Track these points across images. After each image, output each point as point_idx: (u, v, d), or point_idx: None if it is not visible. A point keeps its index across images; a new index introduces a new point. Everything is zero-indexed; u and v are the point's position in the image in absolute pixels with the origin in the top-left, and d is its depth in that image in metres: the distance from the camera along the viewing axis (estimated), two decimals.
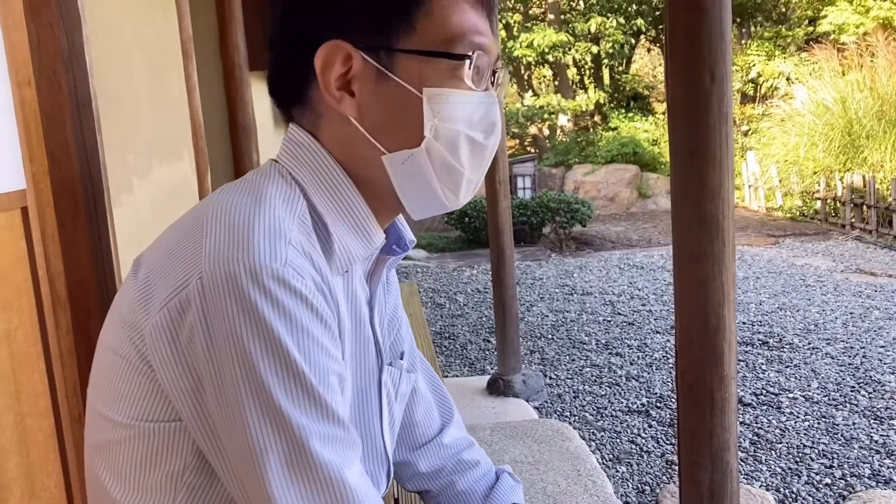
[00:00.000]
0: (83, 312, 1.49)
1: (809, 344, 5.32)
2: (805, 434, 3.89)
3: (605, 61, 17.11)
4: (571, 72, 18.02)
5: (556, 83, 18.22)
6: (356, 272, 0.93)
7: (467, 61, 0.85)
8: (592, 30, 15.63)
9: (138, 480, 0.82)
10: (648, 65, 19.21)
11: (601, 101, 16.50)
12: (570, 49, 15.97)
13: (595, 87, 17.29)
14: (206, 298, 0.73)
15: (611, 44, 15.89)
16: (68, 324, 1.48)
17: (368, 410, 0.98)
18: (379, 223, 0.92)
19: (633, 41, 16.62)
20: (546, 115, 16.16)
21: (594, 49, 16.11)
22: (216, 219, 0.79)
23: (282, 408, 0.73)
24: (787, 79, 14.36)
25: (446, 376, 4.92)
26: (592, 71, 17.63)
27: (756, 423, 4.05)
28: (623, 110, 16.59)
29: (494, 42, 0.90)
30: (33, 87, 1.40)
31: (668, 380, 4.71)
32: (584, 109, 16.44)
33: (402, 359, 1.11)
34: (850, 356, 5.02)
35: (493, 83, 0.91)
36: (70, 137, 1.44)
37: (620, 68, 17.39)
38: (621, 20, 15.76)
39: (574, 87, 17.94)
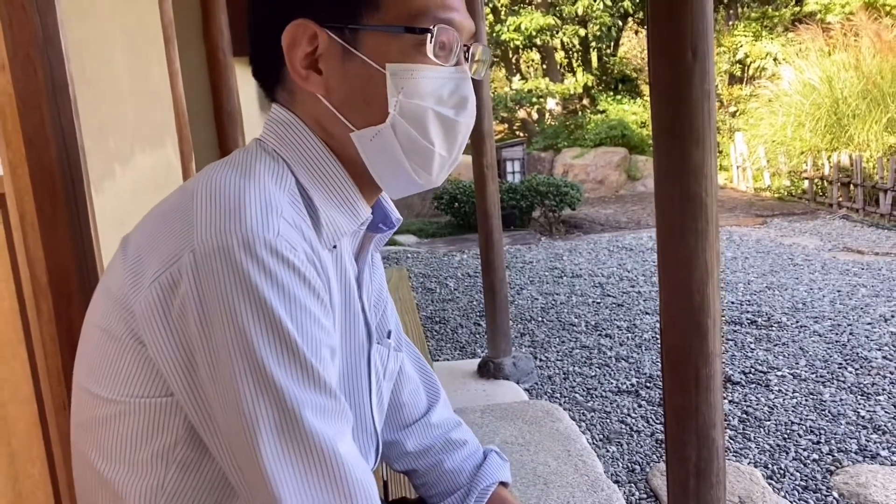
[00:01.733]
0: (64, 299, 1.48)
1: (797, 322, 5.35)
2: (793, 411, 3.91)
3: (593, 44, 17.06)
4: (559, 55, 17.96)
5: (545, 67, 18.17)
6: (345, 248, 0.93)
7: (428, 35, 0.85)
8: (580, 12, 15.57)
9: (128, 457, 0.82)
10: (637, 47, 19.16)
11: (589, 84, 16.47)
12: (557, 32, 15.91)
13: (583, 70, 17.25)
14: (198, 271, 0.73)
15: (598, 26, 15.84)
16: (50, 310, 1.47)
17: (358, 386, 0.98)
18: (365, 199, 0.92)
19: (620, 23, 16.57)
20: (534, 99, 16.13)
21: (582, 32, 16.06)
22: (206, 193, 0.79)
23: (275, 378, 0.73)
24: (775, 59, 14.36)
25: (437, 360, 4.93)
26: (580, 54, 17.58)
27: (745, 401, 4.08)
28: (611, 93, 16.56)
29: (467, 18, 0.89)
30: (7, 72, 1.38)
31: (657, 360, 4.72)
32: (572, 93, 16.41)
33: (389, 338, 1.11)
34: (837, 333, 5.05)
35: (466, 58, 0.90)
36: (47, 122, 1.43)
37: (608, 51, 17.34)
38: (608, 2, 15.69)
39: (562, 70, 17.89)
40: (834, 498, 3.06)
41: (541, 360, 4.90)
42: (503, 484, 1.19)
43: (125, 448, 0.82)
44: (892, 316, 5.34)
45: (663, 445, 3.56)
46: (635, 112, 15.31)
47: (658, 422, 3.88)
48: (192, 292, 0.74)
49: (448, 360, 5.01)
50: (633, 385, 4.39)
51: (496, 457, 1.21)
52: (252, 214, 0.75)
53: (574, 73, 17.37)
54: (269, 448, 0.73)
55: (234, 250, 0.73)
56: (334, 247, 0.90)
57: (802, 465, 3.35)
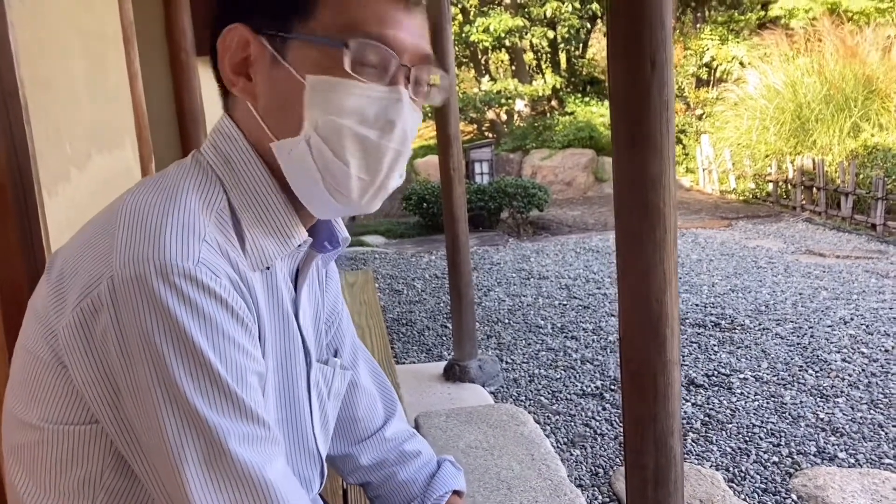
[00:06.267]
0: (15, 308, 1.45)
1: (760, 325, 5.42)
2: (754, 413, 3.96)
3: (562, 46, 17.13)
4: (528, 56, 18.02)
5: (513, 68, 18.21)
6: (279, 270, 0.91)
7: (345, 49, 0.81)
8: (549, 14, 15.63)
9: (55, 483, 0.80)
10: (605, 49, 19.25)
11: (558, 85, 16.54)
12: (526, 34, 15.96)
13: (552, 71, 17.31)
14: (116, 299, 0.72)
15: (567, 28, 15.92)
16: None
17: (298, 409, 0.96)
18: (304, 219, 0.90)
19: (588, 26, 16.67)
20: (503, 100, 16.16)
21: (550, 34, 16.13)
22: (128, 216, 0.77)
23: (197, 408, 0.72)
24: (741, 63, 14.54)
25: (403, 363, 4.92)
26: (549, 56, 17.65)
27: (707, 403, 4.12)
28: (580, 95, 16.65)
29: (415, 37, 0.85)
30: None
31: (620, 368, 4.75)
32: (540, 94, 16.47)
33: (336, 356, 1.09)
34: (798, 336, 5.12)
35: (407, 80, 0.85)
36: None
37: (577, 53, 17.44)
38: (577, 4, 15.78)
39: (531, 71, 17.96)
40: (793, 500, 3.10)
41: (507, 362, 4.91)
42: (457, 493, 1.18)
43: (52, 474, 0.80)
44: (852, 319, 5.43)
45: None
46: (603, 114, 15.40)
47: (622, 425, 3.90)
48: (112, 321, 0.72)
49: (414, 362, 5.00)
50: (597, 388, 4.42)
51: (450, 466, 1.20)
52: (171, 240, 0.74)
53: (543, 75, 17.44)
54: (196, 480, 0.73)
55: (151, 279, 0.71)
56: (267, 268, 0.88)
57: (762, 468, 3.40)
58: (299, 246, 0.90)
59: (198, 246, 0.75)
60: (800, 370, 4.53)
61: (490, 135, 16.41)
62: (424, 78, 0.89)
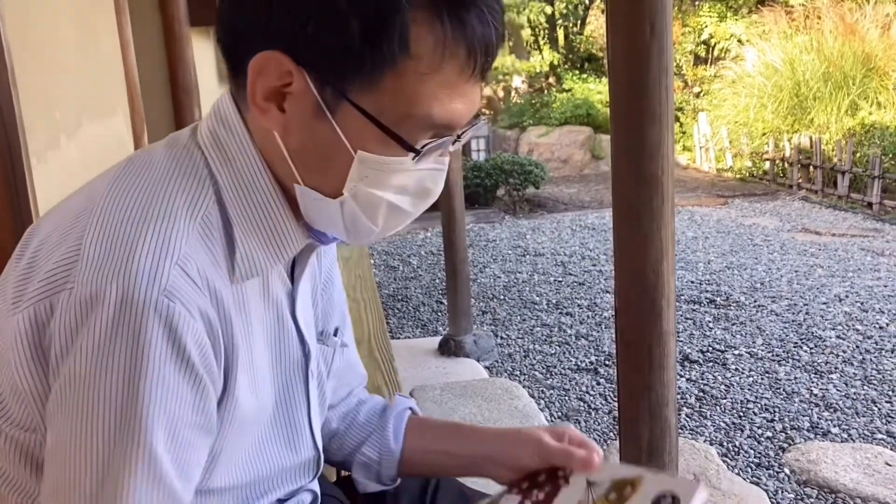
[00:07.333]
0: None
1: (755, 302, 5.42)
2: (749, 389, 3.97)
3: (560, 22, 17.02)
4: (526, 32, 17.89)
5: (511, 44, 18.09)
6: (273, 269, 0.87)
7: (411, 155, 0.76)
8: None
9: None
10: (603, 26, 19.13)
11: (555, 62, 16.44)
12: (524, 9, 15.84)
13: (549, 48, 17.21)
14: (71, 313, 0.68)
15: (565, 4, 15.81)
16: None
17: (293, 404, 0.94)
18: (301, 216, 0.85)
19: (587, 2, 16.55)
20: (500, 77, 16.05)
21: (548, 10, 16.02)
22: (102, 220, 0.72)
23: (111, 464, 0.69)
24: (739, 40, 14.45)
25: (398, 338, 4.91)
26: (547, 32, 17.53)
27: (702, 379, 4.13)
28: (577, 72, 16.55)
29: (473, 104, 0.79)
30: None
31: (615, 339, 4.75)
32: (538, 71, 16.37)
33: (336, 335, 1.07)
34: (793, 313, 5.13)
35: (452, 145, 0.81)
36: None
37: (575, 29, 17.32)
38: None
39: (528, 48, 17.84)
40: (786, 474, 3.11)
41: (501, 337, 4.91)
42: (413, 412, 1.16)
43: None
44: (847, 296, 5.44)
45: None
46: (601, 91, 15.31)
47: (616, 399, 3.90)
48: (60, 336, 0.69)
49: (409, 337, 5.00)
50: (591, 363, 4.42)
51: (404, 398, 1.18)
52: (141, 260, 0.69)
53: (540, 51, 17.33)
54: None
55: (109, 306, 0.67)
56: (257, 276, 0.83)
57: (756, 443, 3.41)
58: (287, 260, 0.87)
59: (169, 269, 0.70)
60: (794, 347, 4.53)
61: (487, 111, 16.33)
62: (467, 134, 0.84)
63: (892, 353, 4.37)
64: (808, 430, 3.49)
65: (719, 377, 4.14)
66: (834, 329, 4.79)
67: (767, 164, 11.23)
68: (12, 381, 0.73)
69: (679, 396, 3.86)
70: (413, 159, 0.77)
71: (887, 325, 4.82)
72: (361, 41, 0.70)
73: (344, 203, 0.78)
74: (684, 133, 13.83)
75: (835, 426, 3.52)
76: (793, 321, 4.97)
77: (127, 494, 0.69)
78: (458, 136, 0.82)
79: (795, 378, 4.08)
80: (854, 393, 3.86)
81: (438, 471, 1.16)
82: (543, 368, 4.39)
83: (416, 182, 0.80)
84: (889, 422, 3.54)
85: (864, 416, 3.60)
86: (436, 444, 1.10)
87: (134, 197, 0.74)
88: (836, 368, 4.18)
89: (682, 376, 4.14)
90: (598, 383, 4.14)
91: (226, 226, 0.78)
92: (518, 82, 17.01)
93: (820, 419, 3.59)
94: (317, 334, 1.00)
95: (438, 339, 4.56)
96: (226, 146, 0.80)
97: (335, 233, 0.84)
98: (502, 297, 5.85)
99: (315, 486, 1.06)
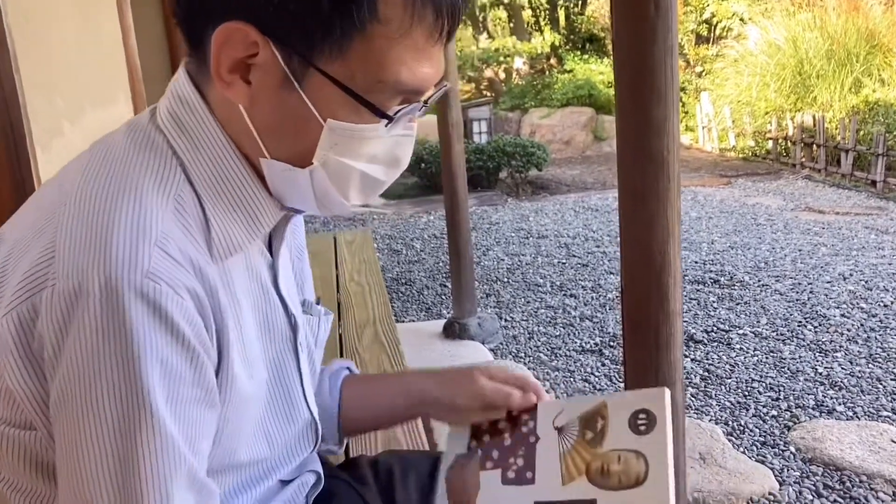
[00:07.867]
0: None
1: (759, 281, 5.42)
2: (753, 368, 3.98)
3: (561, 3, 16.91)
4: (527, 13, 17.79)
5: (512, 25, 18.00)
6: (254, 242, 0.86)
7: (384, 121, 0.76)
8: None
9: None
10: (604, 6, 18.97)
11: (557, 43, 16.35)
12: None
13: (550, 28, 17.10)
14: (56, 311, 0.67)
15: None
16: None
17: (287, 378, 0.94)
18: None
19: None
20: (501, 58, 15.97)
21: None
22: (73, 212, 0.71)
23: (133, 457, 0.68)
24: (741, 19, 14.36)
25: (402, 321, 4.92)
26: (548, 12, 17.42)
27: (707, 359, 4.13)
28: (579, 52, 16.46)
29: (439, 68, 0.79)
30: None
31: (621, 319, 4.76)
32: (539, 52, 16.28)
33: (319, 303, 1.07)
34: (797, 292, 5.13)
35: (419, 111, 0.81)
36: None
37: (576, 10, 17.20)
38: None
39: (529, 29, 17.74)
40: (791, 452, 3.12)
41: (506, 320, 4.91)
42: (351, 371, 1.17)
43: None
44: (851, 274, 5.43)
45: None
46: (602, 72, 15.25)
47: (621, 380, 3.91)
48: (50, 333, 0.67)
49: (414, 321, 5.01)
50: (596, 344, 4.43)
51: (338, 360, 1.19)
52: (118, 246, 0.67)
53: (541, 32, 17.22)
54: None
55: (95, 297, 0.65)
56: (234, 253, 0.82)
57: (762, 422, 3.41)
58: (264, 233, 0.85)
59: (149, 251, 0.68)
60: (799, 326, 4.53)
61: (488, 93, 16.26)
62: (434, 97, 0.84)
63: None
64: (813, 409, 3.50)
65: (724, 357, 4.15)
66: (838, 307, 4.79)
67: (770, 144, 11.18)
68: (4, 386, 0.71)
69: (684, 376, 3.87)
70: (386, 126, 0.77)
71: (892, 302, 4.82)
72: (331, 7, 0.71)
73: (314, 171, 0.78)
74: (687, 113, 13.77)
75: (840, 404, 3.53)
76: (797, 300, 4.97)
77: (150, 479, 0.68)
78: (426, 102, 0.82)
79: (800, 357, 4.08)
80: (859, 371, 3.86)
81: (384, 422, 1.17)
82: (548, 350, 4.40)
83: (387, 149, 0.80)
84: (894, 399, 3.55)
85: (869, 394, 3.61)
86: (372, 395, 1.12)
87: (101, 184, 0.73)
88: (840, 347, 4.18)
89: (686, 356, 4.15)
90: (603, 364, 4.15)
91: (197, 201, 0.77)
92: (519, 64, 16.93)
93: (825, 397, 3.60)
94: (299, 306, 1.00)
95: (443, 322, 4.57)
96: (186, 125, 0.79)
97: (305, 206, 0.84)
98: (506, 279, 5.85)
99: (318, 466, 1.06)
